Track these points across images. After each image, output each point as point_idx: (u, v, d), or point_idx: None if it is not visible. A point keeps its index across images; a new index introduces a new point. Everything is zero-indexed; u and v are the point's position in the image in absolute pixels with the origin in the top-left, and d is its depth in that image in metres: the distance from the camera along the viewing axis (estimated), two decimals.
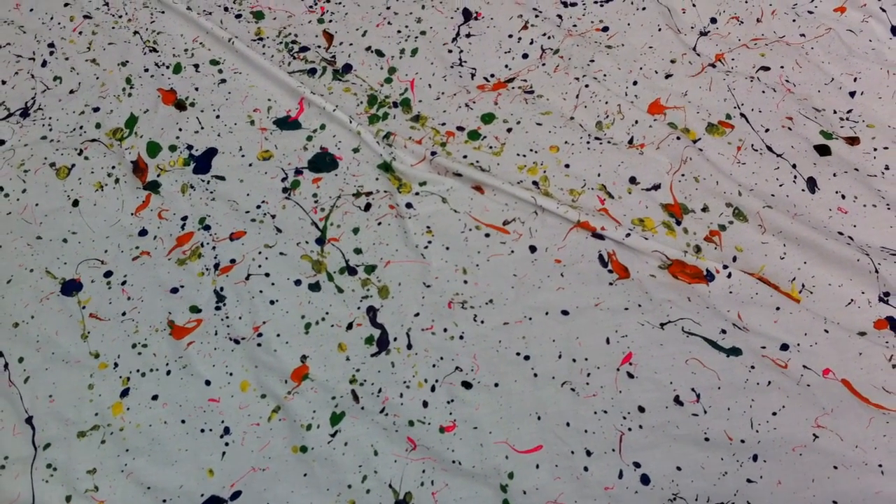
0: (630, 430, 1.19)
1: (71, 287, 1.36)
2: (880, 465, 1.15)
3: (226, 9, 1.64)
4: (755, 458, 1.17)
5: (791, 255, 1.31)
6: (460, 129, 1.47)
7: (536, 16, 1.58)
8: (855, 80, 1.49)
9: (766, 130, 1.43)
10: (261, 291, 1.33)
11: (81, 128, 1.51)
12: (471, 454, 1.19)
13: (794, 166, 1.39)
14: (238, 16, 1.63)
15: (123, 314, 1.32)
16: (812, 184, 1.38)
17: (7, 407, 1.26)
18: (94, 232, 1.40)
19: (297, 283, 1.34)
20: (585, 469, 1.17)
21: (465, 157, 1.43)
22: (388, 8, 1.62)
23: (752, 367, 1.23)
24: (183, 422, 1.23)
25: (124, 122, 1.51)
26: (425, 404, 1.23)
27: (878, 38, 1.53)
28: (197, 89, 1.54)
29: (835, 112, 1.45)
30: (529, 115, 1.47)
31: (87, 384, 1.27)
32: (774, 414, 1.20)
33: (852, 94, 1.47)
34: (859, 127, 1.43)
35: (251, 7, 1.64)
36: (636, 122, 1.45)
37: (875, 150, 1.41)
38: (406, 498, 1.17)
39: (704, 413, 1.20)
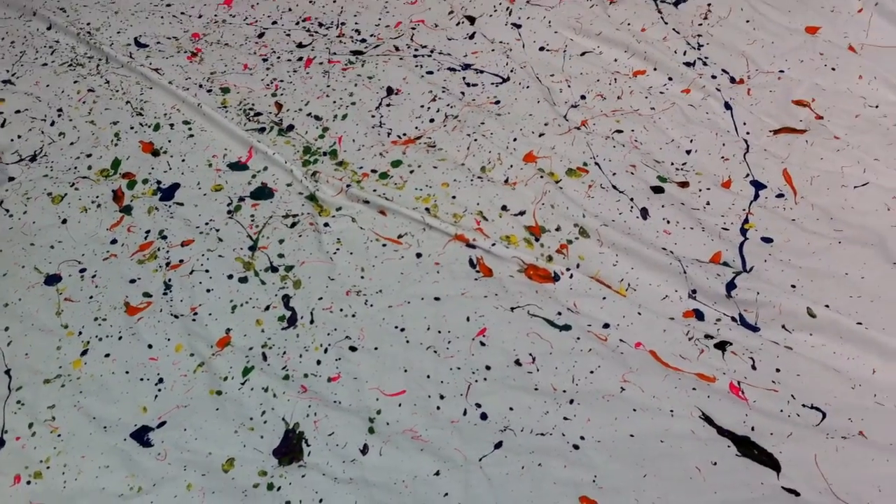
0: (476, 381, 1.53)
1: (53, 280, 1.73)
2: (671, 410, 1.48)
3: (200, 85, 2.08)
4: (571, 402, 1.49)
5: (621, 262, 1.68)
6: (374, 171, 1.87)
7: (444, 91, 2.01)
8: (691, 141, 1.88)
9: (614, 174, 1.82)
10: (200, 282, 1.70)
11: (76, 168, 1.93)
12: (349, 396, 1.52)
13: (631, 199, 1.77)
14: (209, 90, 2.07)
15: (91, 298, 1.69)
16: (644, 212, 1.75)
17: None
18: (76, 241, 1.79)
19: (230, 277, 1.71)
20: (438, 408, 1.50)
21: (374, 190, 1.82)
22: (328, 86, 2.06)
23: (578, 339, 1.57)
24: (127, 373, 1.58)
25: (110, 164, 1.93)
26: (318, 362, 1.58)
27: (713, 111, 1.93)
28: (170, 141, 1.96)
29: (672, 164, 1.84)
30: (429, 161, 1.87)
31: (56, 346, 1.63)
32: (591, 372, 1.53)
33: (688, 151, 1.87)
34: (690, 175, 1.82)
35: (220, 84, 2.08)
36: (511, 166, 1.85)
37: (700, 191, 1.79)
38: (294, 427, 1.50)
39: (537, 371, 1.54)
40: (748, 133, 1.86)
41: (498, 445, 1.43)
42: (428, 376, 1.52)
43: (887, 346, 1.49)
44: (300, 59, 2.10)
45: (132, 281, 1.70)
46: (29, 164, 1.92)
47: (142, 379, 1.55)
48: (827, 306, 1.56)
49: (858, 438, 1.41)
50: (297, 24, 2.20)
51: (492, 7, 2.20)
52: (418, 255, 1.70)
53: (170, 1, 2.30)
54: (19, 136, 1.98)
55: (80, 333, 1.62)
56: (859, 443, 1.41)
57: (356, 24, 2.20)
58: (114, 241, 1.77)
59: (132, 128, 1.98)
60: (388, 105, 1.98)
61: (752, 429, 1.43)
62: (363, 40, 2.15)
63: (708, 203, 1.75)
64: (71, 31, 2.21)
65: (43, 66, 2.14)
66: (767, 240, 1.68)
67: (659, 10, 2.14)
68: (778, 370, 1.50)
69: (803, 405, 1.45)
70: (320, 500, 1.39)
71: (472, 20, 2.17)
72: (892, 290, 1.58)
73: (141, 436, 1.49)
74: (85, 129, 1.99)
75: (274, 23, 2.22)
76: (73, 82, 2.10)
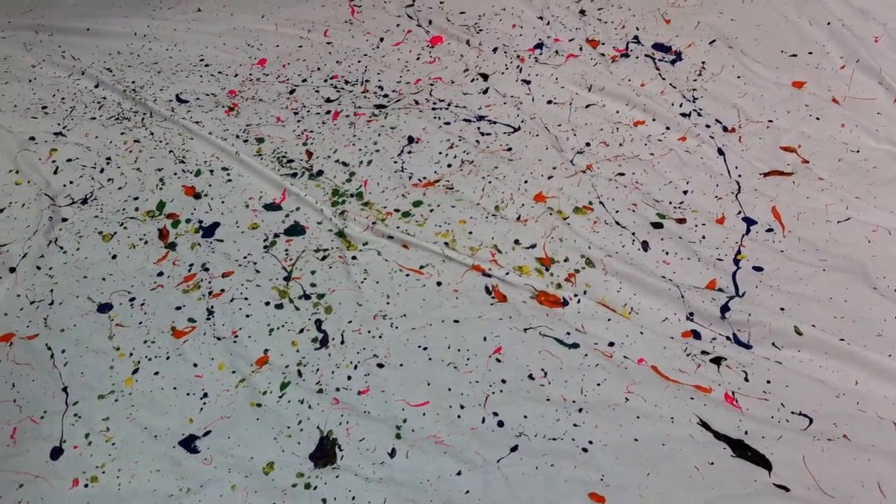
0: (493, 393, 1.69)
1: (105, 308, 1.91)
2: (672, 417, 1.63)
3: (237, 136, 2.28)
4: (580, 410, 1.65)
5: (625, 289, 1.85)
6: (397, 210, 2.05)
7: (460, 140, 2.21)
8: (687, 182, 2.07)
9: (616, 212, 2.00)
10: (240, 309, 1.88)
11: (124, 210, 2.11)
12: (377, 407, 1.69)
13: (633, 234, 1.95)
14: (245, 140, 2.27)
15: (140, 323, 1.87)
16: (645, 245, 1.93)
17: (49, 381, 1.78)
18: (125, 274, 1.97)
19: (267, 304, 1.89)
20: (458, 417, 1.66)
21: (397, 227, 2.01)
22: (354, 136, 2.26)
23: (586, 355, 1.74)
24: (174, 388, 1.75)
25: (155, 206, 2.12)
26: (349, 378, 1.74)
27: (707, 157, 2.12)
28: (210, 185, 2.16)
29: (670, 202, 2.03)
30: (447, 201, 2.06)
31: (109, 366, 1.79)
32: (598, 384, 1.69)
33: (685, 191, 2.05)
34: (687, 212, 2.00)
35: (255, 135, 2.28)
36: (523, 205, 2.03)
37: (696, 226, 1.97)
38: (328, 434, 1.66)
39: (549, 384, 1.70)
40: (740, 175, 2.05)
41: (514, 449, 1.58)
42: (449, 389, 1.68)
43: (868, 361, 1.65)
44: (328, 112, 2.30)
45: (178, 308, 1.87)
46: (80, 206, 2.11)
47: (188, 394, 1.72)
48: (813, 326, 1.71)
49: (842, 441, 1.56)
50: (325, 81, 2.41)
51: (503, 65, 2.41)
52: (438, 284, 1.87)
53: (208, 62, 2.51)
54: (71, 182, 2.17)
55: (131, 355, 1.79)
56: (843, 445, 1.55)
57: (379, 81, 2.40)
58: (160, 274, 1.94)
59: (175, 174, 2.17)
60: (410, 152, 2.18)
61: (746, 433, 1.58)
62: (385, 95, 2.35)
63: (703, 237, 1.92)
64: (117, 89, 2.42)
65: (91, 119, 2.34)
66: (758, 268, 1.85)
67: (657, 68, 2.34)
68: (769, 381, 1.65)
69: (792, 412, 1.61)
70: (353, 498, 1.54)
71: (485, 77, 2.38)
72: (872, 311, 1.74)
73: (188, 443, 1.65)
74: (132, 175, 2.18)
75: (304, 80, 2.42)
76: (120, 134, 2.30)
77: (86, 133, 2.31)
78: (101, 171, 2.19)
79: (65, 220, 2.07)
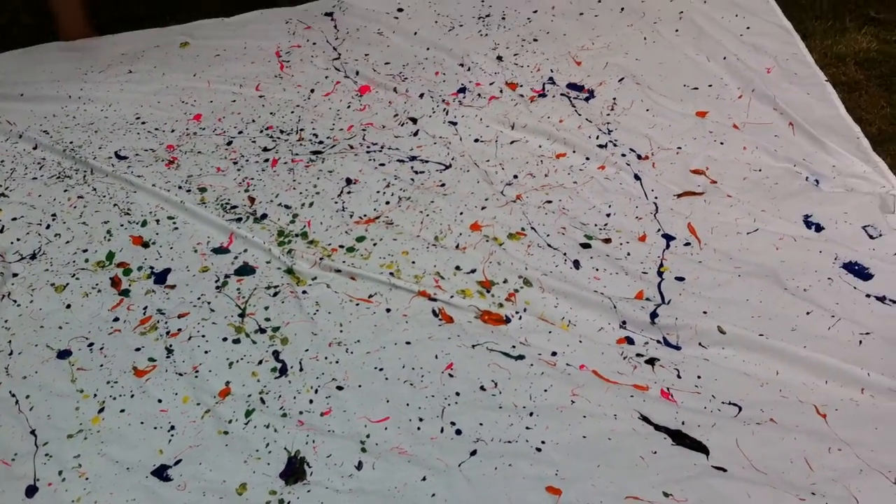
0: (449, 405, 1.81)
1: (64, 354, 1.97)
2: (615, 415, 1.77)
3: (179, 187, 2.37)
4: (531, 414, 1.78)
5: (561, 304, 2.00)
6: (341, 246, 2.18)
7: (395, 178, 2.35)
8: (609, 206, 2.24)
9: (548, 235, 2.16)
10: (199, 346, 1.97)
11: (74, 262, 2.18)
12: (341, 425, 1.79)
13: (564, 254, 2.11)
14: (188, 190, 2.37)
15: (101, 366, 1.94)
16: (577, 263, 2.09)
17: (17, 425, 1.83)
18: (81, 322, 2.03)
19: (224, 339, 1.98)
20: (418, 428, 1.77)
21: (343, 261, 2.13)
22: (294, 180, 2.38)
23: (532, 365, 1.87)
24: (142, 423, 1.82)
25: (105, 256, 2.20)
26: (311, 401, 1.84)
27: (625, 182, 2.30)
28: (157, 234, 2.24)
29: (595, 225, 2.20)
30: (389, 235, 2.19)
31: (75, 407, 1.86)
32: (545, 390, 1.83)
33: (608, 214, 2.23)
34: (611, 232, 2.17)
35: (198, 185, 2.39)
36: (461, 234, 2.17)
37: (621, 244, 2.14)
38: (296, 454, 1.76)
39: (500, 393, 1.83)
40: (656, 197, 2.24)
41: (473, 453, 1.71)
42: (407, 404, 1.80)
43: (786, 352, 1.83)
44: (267, 160, 2.43)
45: (137, 349, 1.95)
46: (30, 261, 2.18)
47: (155, 427, 1.80)
48: (734, 325, 1.89)
49: (770, 424, 1.73)
50: (261, 132, 2.54)
51: (430, 109, 2.57)
52: (388, 310, 2.00)
53: (144, 119, 2.61)
54: (18, 240, 2.24)
55: (96, 395, 1.86)
56: (771, 427, 1.72)
57: (313, 129, 2.54)
58: (116, 319, 2.02)
59: (122, 225, 2.26)
60: (349, 192, 2.31)
61: (683, 423, 1.74)
62: (321, 142, 2.49)
63: (628, 254, 2.10)
64: (56, 149, 2.50)
65: (33, 179, 2.42)
66: (680, 278, 2.03)
67: (573, 105, 2.54)
68: (699, 377, 1.82)
69: (723, 402, 1.77)
70: None
71: (414, 121, 2.54)
72: (785, 309, 1.93)
73: (161, 472, 1.73)
74: (78, 229, 2.25)
75: (240, 132, 2.54)
76: (63, 191, 2.37)
77: (28, 192, 2.38)
78: (48, 227, 2.26)
79: (15, 275, 2.13)
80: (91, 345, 1.95)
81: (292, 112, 2.60)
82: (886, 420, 1.71)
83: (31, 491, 1.69)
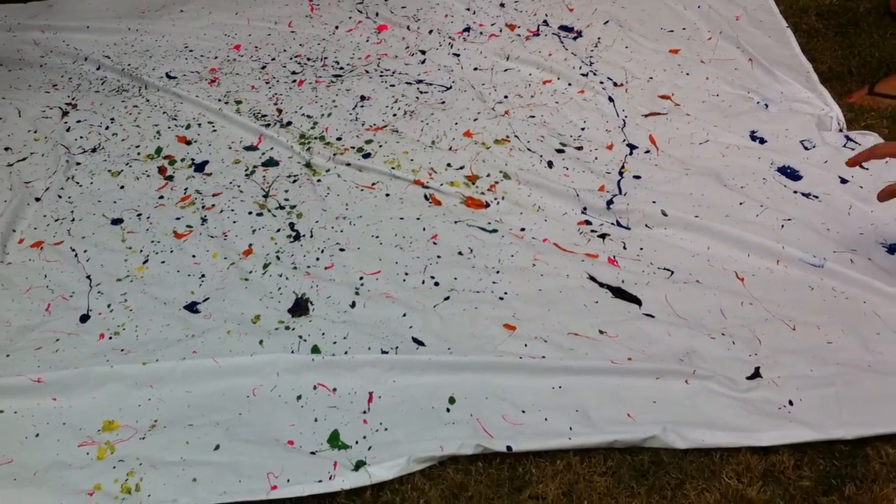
0: (431, 264, 2.18)
1: (117, 221, 2.38)
2: (567, 275, 2.13)
3: (218, 99, 2.80)
4: (497, 272, 2.13)
5: (533, 193, 2.36)
6: (352, 147, 2.58)
7: (402, 96, 2.75)
8: (584, 121, 2.61)
9: (528, 141, 2.54)
10: (228, 217, 2.36)
11: (128, 154, 2.60)
12: (340, 275, 2.17)
13: (541, 156, 2.49)
14: (226, 102, 2.79)
15: (146, 230, 2.35)
16: (550, 164, 2.47)
17: (75, 272, 2.22)
18: (132, 198, 2.42)
19: (250, 213, 2.37)
20: (404, 280, 2.16)
21: (354, 158, 2.54)
22: (317, 97, 2.79)
23: (503, 237, 2.24)
24: (178, 271, 2.23)
25: (154, 150, 2.63)
26: (317, 259, 2.25)
27: (601, 104, 2.67)
28: (199, 135, 2.66)
29: (570, 136, 2.57)
30: (393, 139, 2.58)
31: (124, 259, 2.25)
32: (512, 256, 2.19)
33: (582, 128, 2.60)
34: (583, 142, 2.54)
35: (234, 98, 2.81)
36: (454, 139, 2.56)
37: (591, 151, 2.51)
38: (302, 295, 2.15)
39: (474, 257, 2.19)
40: (626, 116, 2.61)
41: (446, 298, 2.08)
42: (396, 262, 2.18)
43: (717, 231, 2.17)
44: (294, 81, 2.84)
45: (177, 218, 2.35)
46: (91, 153, 2.60)
47: (189, 275, 2.19)
48: (675, 210, 2.26)
49: (695, 284, 2.08)
50: (291, 59, 2.95)
51: (437, 44, 2.97)
52: (387, 195, 2.38)
53: (191, 48, 3.03)
54: (81, 137, 2.66)
55: (141, 251, 2.26)
56: (696, 287, 2.07)
57: (336, 58, 2.95)
58: (161, 197, 2.43)
59: (169, 127, 2.68)
60: (362, 106, 2.71)
61: (623, 282, 2.10)
62: (341, 68, 2.90)
63: (596, 158, 2.47)
64: (116, 69, 2.93)
65: (96, 92, 2.85)
66: (637, 177, 2.39)
67: (562, 42, 2.92)
68: (641, 248, 2.18)
69: (658, 268, 2.13)
70: (323, 334, 2.01)
71: (423, 52, 2.94)
72: (722, 200, 2.28)
73: (191, 307, 2.11)
74: (132, 130, 2.68)
75: (273, 59, 2.96)
76: (121, 102, 2.80)
77: (91, 102, 2.81)
78: (106, 128, 2.69)
79: (78, 163, 2.56)
80: (139, 214, 2.36)
81: (318, 44, 3.02)
82: (794, 284, 2.05)
83: (84, 318, 2.07)
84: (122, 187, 2.44)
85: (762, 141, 2.45)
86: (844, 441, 1.69)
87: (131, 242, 2.26)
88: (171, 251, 2.22)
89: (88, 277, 2.17)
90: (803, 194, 2.27)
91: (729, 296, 2.02)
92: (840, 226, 2.16)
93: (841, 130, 2.49)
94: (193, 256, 2.21)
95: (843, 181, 2.30)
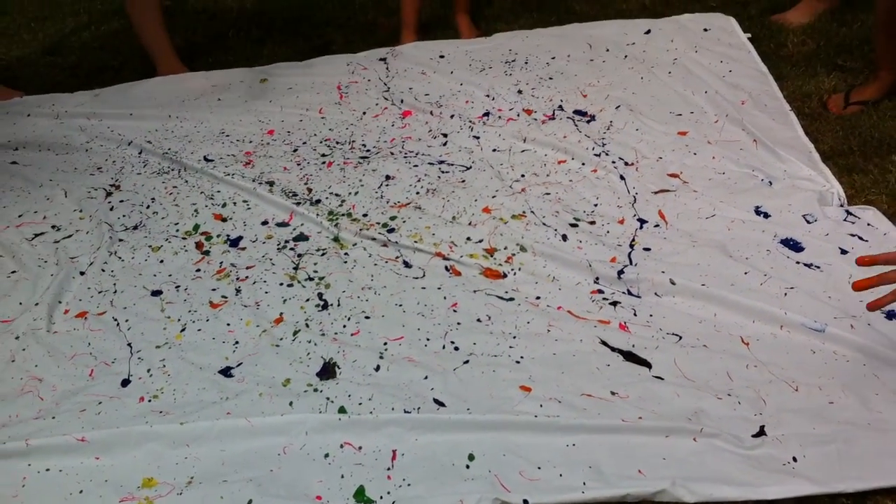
0: (451, 330, 2.32)
1: (156, 293, 2.55)
2: (581, 340, 2.27)
3: (253, 179, 2.98)
4: (515, 337, 2.26)
5: (548, 265, 2.50)
6: (378, 223, 2.75)
7: (425, 175, 2.92)
8: (597, 198, 2.76)
9: (544, 216, 2.70)
10: (261, 288, 2.53)
11: (167, 231, 2.78)
12: (365, 341, 2.30)
13: (555, 230, 2.65)
14: (260, 183, 2.97)
15: (184, 300, 2.51)
16: (564, 237, 2.62)
17: (117, 340, 2.37)
18: (171, 271, 2.60)
19: (281, 284, 2.53)
20: (425, 345, 2.29)
21: (378, 233, 2.70)
22: (345, 177, 2.97)
23: (519, 304, 2.37)
24: (213, 338, 2.38)
25: (192, 227, 2.81)
26: (344, 326, 2.39)
27: (612, 182, 2.82)
28: (234, 213, 2.84)
29: (584, 211, 2.73)
30: (416, 215, 2.74)
31: (162, 328, 2.41)
32: (528, 322, 2.31)
33: (595, 204, 2.75)
34: (596, 217, 2.70)
35: (267, 179, 2.99)
36: (473, 214, 2.73)
37: (603, 225, 2.66)
38: (329, 359, 2.29)
39: (492, 324, 2.32)
40: (637, 193, 2.76)
41: (466, 362, 2.21)
42: (418, 329, 2.32)
43: (723, 299, 2.29)
44: (324, 162, 3.02)
45: (213, 289, 2.51)
46: (133, 231, 2.78)
47: (224, 342, 2.33)
48: (683, 279, 2.39)
49: (703, 349, 2.19)
50: (321, 142, 3.14)
51: (459, 127, 3.15)
52: (409, 266, 2.54)
53: (228, 133, 3.24)
54: (124, 216, 2.84)
55: (179, 320, 2.41)
56: (703, 351, 2.19)
57: (363, 141, 3.14)
58: (198, 270, 2.59)
59: (206, 206, 2.85)
60: (387, 185, 2.88)
61: (633, 346, 2.21)
62: (368, 150, 3.08)
63: (608, 232, 2.62)
64: (157, 153, 3.12)
65: (138, 174, 3.04)
66: (647, 249, 2.53)
67: (576, 126, 3.10)
68: (651, 315, 2.31)
69: (667, 333, 2.25)
70: (349, 395, 2.14)
71: (445, 135, 3.12)
72: (728, 270, 2.40)
73: (226, 371, 2.24)
74: (172, 209, 2.86)
75: (304, 143, 3.15)
76: (162, 183, 2.99)
77: (133, 183, 3.00)
78: (147, 207, 2.87)
79: (121, 240, 2.73)
80: (178, 286, 2.52)
81: (347, 129, 3.21)
82: (797, 348, 2.16)
83: (125, 383, 2.21)
84: (161, 261, 2.60)
85: (766, 215, 2.58)
86: (846, 494, 1.78)
87: (170, 312, 2.40)
88: (207, 320, 2.36)
89: (129, 345, 2.31)
90: (805, 264, 2.38)
91: (735, 359, 2.12)
92: (840, 294, 2.27)
93: (842, 205, 2.61)
94: (228, 325, 2.34)
95: (843, 252, 2.41)
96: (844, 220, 2.54)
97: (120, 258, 2.62)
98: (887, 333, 2.12)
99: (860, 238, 2.43)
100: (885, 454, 1.84)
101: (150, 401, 2.13)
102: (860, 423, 1.92)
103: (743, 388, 2.04)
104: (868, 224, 2.51)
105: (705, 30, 3.68)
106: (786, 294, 2.28)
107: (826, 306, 2.22)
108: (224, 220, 2.75)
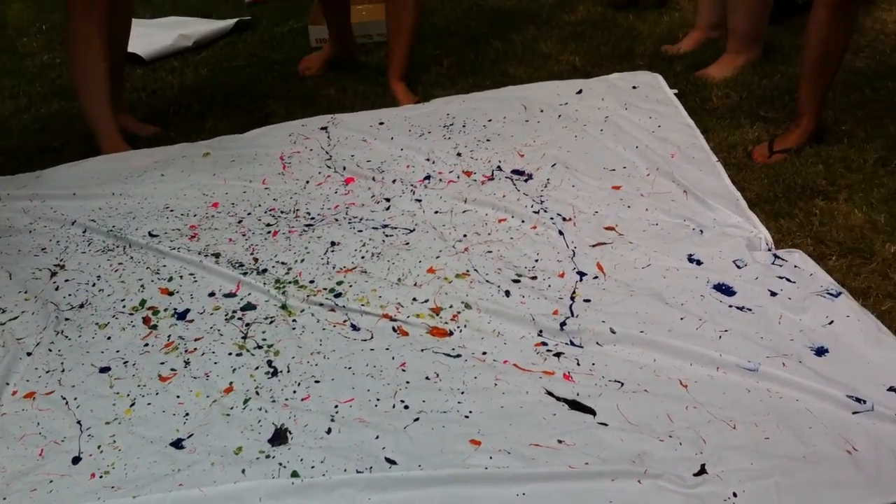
0: (401, 389, 2.35)
1: (104, 370, 2.56)
2: (527, 391, 2.31)
3: (199, 252, 3.01)
4: (462, 392, 2.31)
5: (493, 320, 2.57)
6: (325, 288, 2.81)
7: (370, 240, 2.99)
8: (537, 254, 2.84)
9: (487, 274, 2.77)
10: (209, 359, 2.56)
11: (114, 308, 2.80)
12: (316, 405, 2.33)
13: (498, 286, 2.72)
14: (206, 255, 3.01)
15: (133, 375, 2.53)
16: (507, 293, 2.69)
17: (66, 418, 2.37)
18: (119, 347, 2.62)
19: (230, 354, 2.57)
20: (375, 406, 2.33)
21: (325, 298, 2.75)
22: (290, 245, 3.02)
23: (466, 360, 2.42)
24: (163, 412, 2.39)
25: (138, 303, 2.84)
26: (294, 392, 2.42)
27: (551, 237, 2.91)
28: (181, 286, 2.87)
29: (525, 267, 2.80)
30: (362, 279, 2.80)
31: (112, 404, 2.42)
32: (475, 378, 2.35)
33: (536, 260, 2.83)
34: (537, 272, 2.77)
35: (213, 251, 3.03)
36: (418, 275, 2.78)
37: (544, 280, 2.75)
38: (281, 425, 2.32)
39: (440, 381, 2.37)
40: (575, 247, 2.85)
41: (416, 419, 2.25)
42: (368, 390, 2.35)
43: (661, 345, 2.37)
44: (269, 232, 3.07)
45: (162, 363, 2.52)
46: (79, 309, 2.79)
47: (174, 414, 2.34)
48: (623, 328, 2.47)
49: (644, 394, 2.26)
50: (266, 212, 3.19)
51: (401, 192, 3.23)
52: (357, 329, 2.59)
53: (172, 208, 3.28)
54: (70, 294, 2.86)
55: (128, 395, 2.41)
56: (644, 396, 2.25)
57: (308, 209, 3.19)
58: (146, 344, 2.61)
59: (152, 281, 2.88)
60: (332, 251, 2.94)
61: (577, 394, 2.27)
62: (312, 218, 3.13)
63: (549, 286, 2.69)
64: (101, 231, 3.14)
65: (82, 253, 3.05)
66: (587, 300, 2.61)
67: (514, 185, 3.20)
68: (593, 364, 2.37)
69: (609, 380, 2.31)
70: (301, 459, 2.15)
71: (388, 199, 3.19)
72: (665, 317, 2.48)
73: (177, 444, 2.24)
74: (118, 285, 2.88)
75: (248, 214, 3.20)
76: (107, 260, 3.01)
77: (78, 262, 3.01)
78: (93, 285, 2.89)
79: (67, 319, 2.74)
80: (126, 362, 2.53)
81: (291, 198, 3.27)
82: (733, 388, 2.23)
83: (76, 460, 2.19)
84: (108, 338, 2.61)
85: (699, 262, 2.68)
86: None
87: (119, 388, 2.42)
88: (157, 393, 2.38)
89: (79, 422, 2.31)
90: (738, 308, 2.48)
91: (675, 402, 2.20)
92: (772, 334, 2.36)
93: (769, 249, 2.72)
94: (178, 397, 2.37)
95: (773, 294, 2.51)
96: (773, 263, 2.64)
97: (67, 337, 2.62)
98: (817, 369, 2.20)
99: (788, 280, 2.53)
100: (819, 485, 1.91)
101: (101, 476, 2.13)
102: (796, 456, 1.98)
103: (683, 429, 2.10)
104: (795, 266, 2.61)
105: (634, 87, 3.83)
106: (720, 337, 2.36)
107: (759, 346, 2.30)
108: (171, 293, 2.78)
